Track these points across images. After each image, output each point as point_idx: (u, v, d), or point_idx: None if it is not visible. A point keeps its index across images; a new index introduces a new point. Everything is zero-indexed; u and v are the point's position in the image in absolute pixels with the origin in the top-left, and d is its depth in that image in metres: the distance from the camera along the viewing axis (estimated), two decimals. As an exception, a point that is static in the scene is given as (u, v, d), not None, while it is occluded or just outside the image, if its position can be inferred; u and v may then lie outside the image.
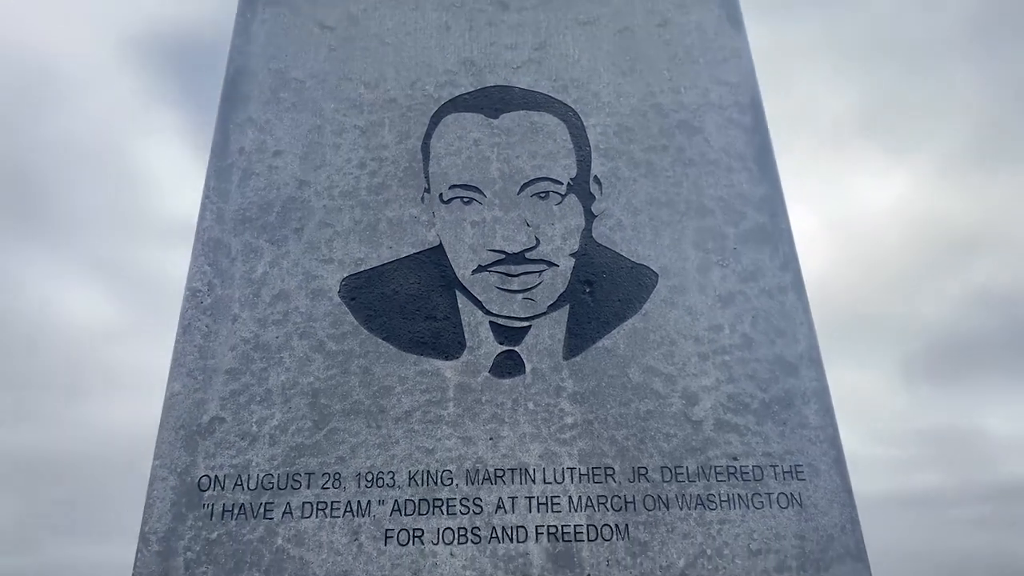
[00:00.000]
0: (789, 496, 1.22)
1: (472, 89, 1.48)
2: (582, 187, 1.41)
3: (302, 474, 1.19)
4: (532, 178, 1.41)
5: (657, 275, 1.36)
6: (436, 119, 1.45)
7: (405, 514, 1.18)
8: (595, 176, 1.43)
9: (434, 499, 1.19)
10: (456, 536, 1.16)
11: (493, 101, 1.47)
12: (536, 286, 1.33)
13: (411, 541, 1.16)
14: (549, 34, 1.54)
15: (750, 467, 1.23)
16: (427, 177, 1.41)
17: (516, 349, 1.29)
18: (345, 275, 1.32)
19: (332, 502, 1.18)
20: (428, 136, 1.44)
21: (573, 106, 1.47)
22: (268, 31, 1.51)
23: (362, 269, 1.33)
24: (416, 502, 1.18)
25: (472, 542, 1.17)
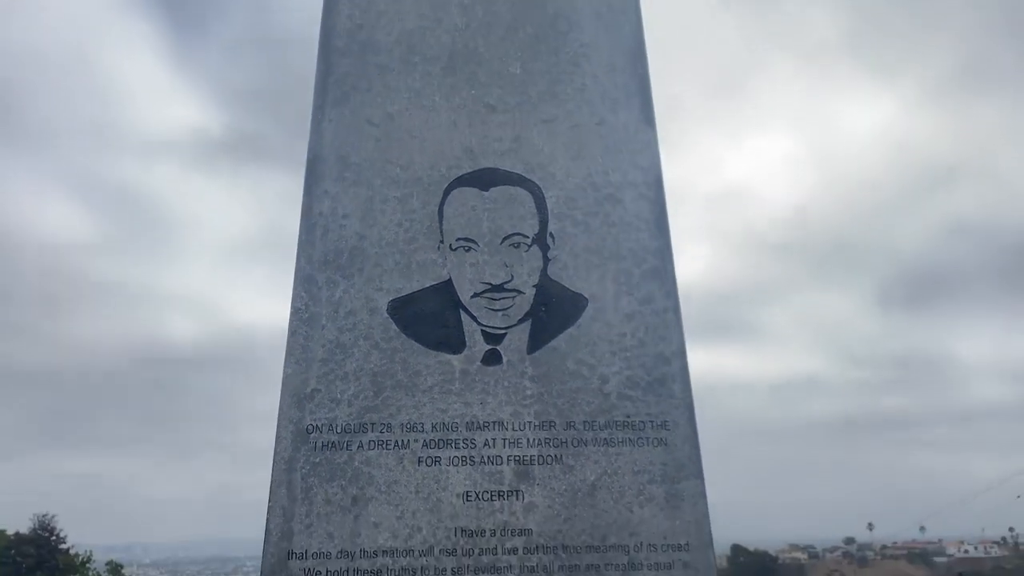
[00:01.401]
0: (659, 439, 2.03)
1: (471, 170, 2.23)
2: (541, 240, 2.18)
3: (367, 424, 1.99)
4: (509, 233, 2.17)
5: (588, 300, 2.14)
6: (447, 191, 2.21)
7: (429, 448, 1.98)
8: (550, 232, 2.20)
9: (447, 439, 1.99)
10: (460, 461, 1.97)
11: (484, 178, 2.23)
12: (511, 307, 2.11)
13: (433, 464, 1.97)
14: (522, 130, 2.28)
15: (637, 421, 2.04)
16: (441, 232, 2.17)
17: (498, 348, 2.08)
18: (390, 299, 2.10)
19: (385, 440, 1.98)
20: (442, 203, 2.20)
21: (538, 183, 2.23)
22: (334, 128, 2.26)
23: (401, 295, 2.11)
24: (436, 441, 1.99)
25: (469, 464, 1.97)
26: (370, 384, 2.02)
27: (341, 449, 1.96)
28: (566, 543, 1.91)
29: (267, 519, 1.91)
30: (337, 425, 1.98)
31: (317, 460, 1.95)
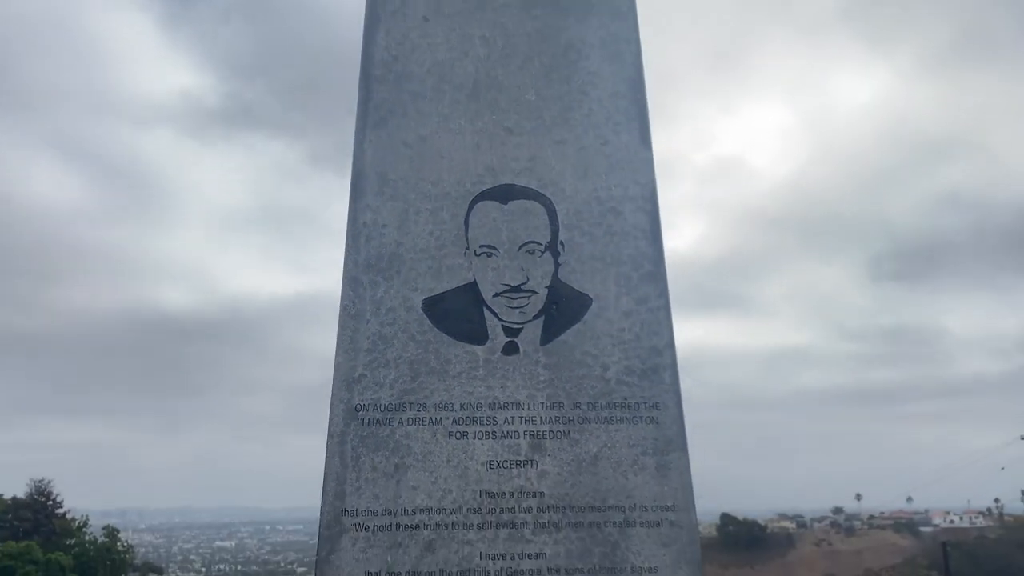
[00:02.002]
0: (651, 418, 2.41)
1: (492, 185, 2.59)
2: (553, 247, 2.55)
3: (406, 403, 2.37)
4: (525, 241, 2.54)
5: (592, 299, 2.51)
6: (472, 204, 2.57)
7: (458, 424, 2.36)
8: (561, 240, 2.56)
9: (472, 417, 2.37)
10: (484, 435, 2.35)
11: (504, 193, 2.59)
12: (526, 305, 2.48)
13: (461, 437, 2.35)
14: (537, 150, 2.64)
15: (632, 403, 2.42)
16: (467, 240, 2.53)
17: (515, 340, 2.45)
18: (424, 298, 2.47)
19: (421, 418, 2.36)
20: (467, 215, 2.56)
21: (550, 197, 2.59)
22: (374, 148, 2.61)
23: (433, 294, 2.47)
24: (463, 418, 2.36)
25: (491, 438, 2.35)
26: (408, 370, 2.39)
27: (384, 425, 2.34)
28: (572, 504, 2.30)
29: (323, 483, 2.29)
30: (380, 404, 2.36)
31: (364, 434, 2.33)
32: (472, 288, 2.49)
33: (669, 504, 2.34)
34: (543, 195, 2.59)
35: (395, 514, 2.25)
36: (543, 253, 2.53)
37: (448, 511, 2.27)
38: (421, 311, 2.45)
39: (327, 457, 2.32)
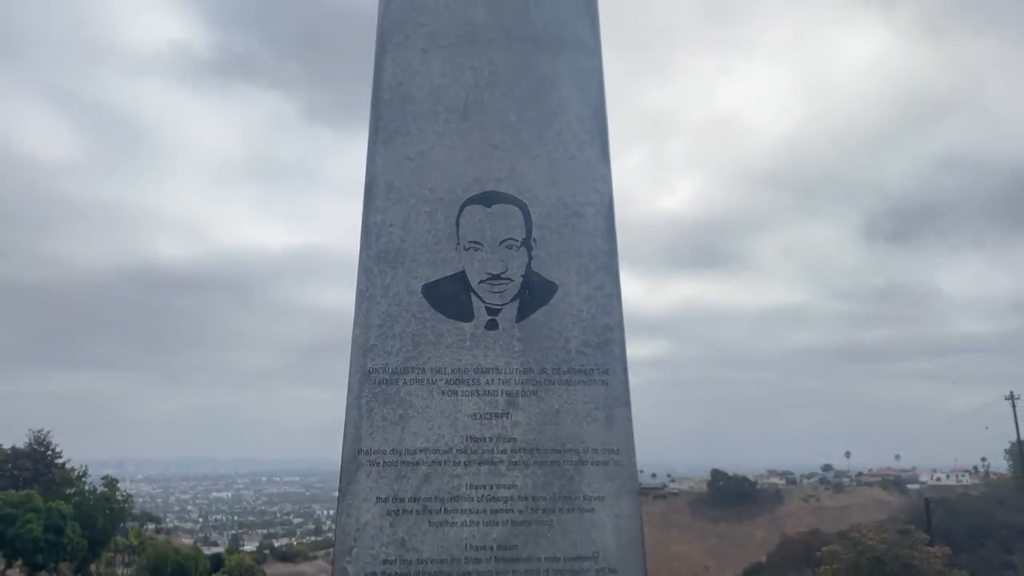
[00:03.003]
0: (603, 381, 3.06)
1: (479, 192, 3.20)
2: (527, 243, 3.17)
3: (409, 368, 3.00)
4: (505, 238, 3.15)
5: (558, 286, 3.14)
6: (462, 208, 3.18)
7: (449, 384, 3.00)
8: (534, 238, 3.18)
9: (460, 379, 3.00)
10: (470, 393, 2.99)
11: (488, 198, 3.20)
12: (505, 290, 3.10)
13: (452, 395, 2.99)
14: (516, 163, 3.25)
15: (588, 369, 3.06)
16: (458, 237, 3.15)
17: (496, 318, 3.08)
18: (423, 284, 3.09)
19: (420, 379, 3.00)
20: (458, 216, 3.17)
21: (526, 202, 3.21)
22: (383, 161, 3.21)
23: (430, 281, 3.09)
24: (454, 380, 3.00)
25: (476, 396, 3.00)
26: (410, 342, 3.03)
27: (391, 384, 2.98)
28: (538, 447, 2.95)
29: (344, 429, 2.93)
30: (389, 368, 3.00)
31: (376, 391, 2.97)
32: (461, 276, 3.11)
33: (614, 448, 3.00)
34: (520, 200, 3.21)
35: (400, 453, 2.90)
36: (519, 248, 3.15)
37: (441, 451, 2.92)
38: (421, 295, 3.08)
39: (347, 409, 2.96)
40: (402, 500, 2.85)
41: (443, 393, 2.98)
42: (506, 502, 2.89)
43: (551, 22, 3.45)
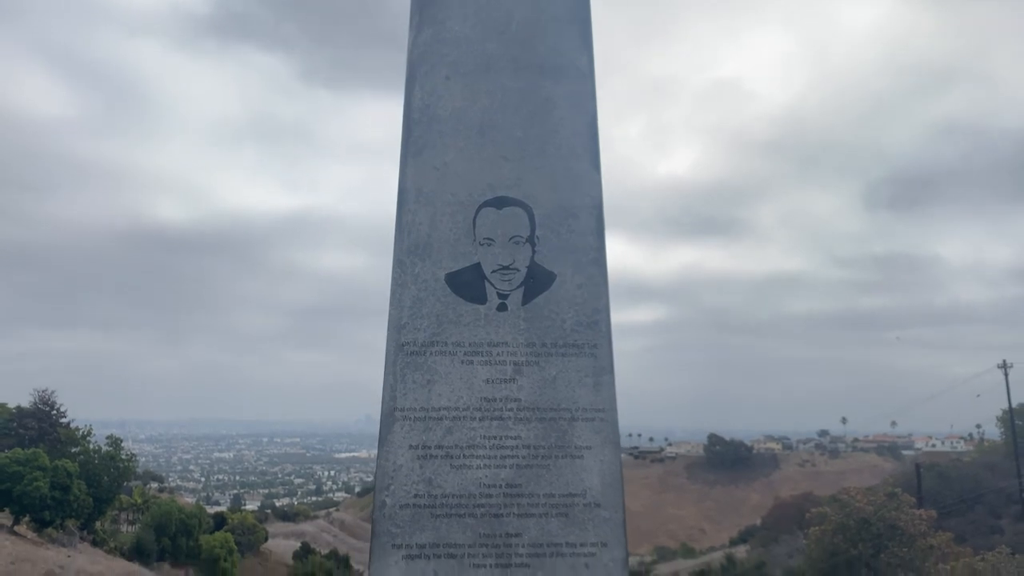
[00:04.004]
0: (591, 354, 3.76)
1: (491, 197, 3.88)
2: (532, 239, 3.85)
3: (434, 342, 3.71)
4: (513, 235, 3.84)
5: (556, 276, 3.83)
6: (478, 210, 3.86)
7: (467, 355, 3.70)
8: (537, 235, 3.86)
9: (476, 351, 3.71)
10: (484, 363, 3.70)
11: (499, 202, 3.88)
12: (513, 279, 3.79)
13: (469, 364, 3.69)
14: (522, 173, 3.92)
15: (580, 344, 3.77)
16: (474, 234, 3.83)
17: (505, 302, 3.78)
18: (445, 273, 3.78)
19: (444, 351, 3.70)
20: (475, 217, 3.85)
21: (530, 206, 3.89)
22: (413, 171, 3.89)
23: (452, 271, 3.78)
24: (471, 352, 3.71)
25: (488, 365, 3.70)
26: (435, 320, 3.73)
27: (420, 355, 3.69)
28: (539, 406, 3.66)
29: (383, 390, 3.64)
30: (418, 342, 3.70)
31: (408, 361, 3.68)
32: (477, 267, 3.80)
33: (600, 408, 3.71)
34: (526, 204, 3.89)
35: (427, 410, 3.62)
36: (524, 244, 3.84)
37: (460, 409, 3.63)
38: (444, 282, 3.77)
39: (384, 375, 3.67)
40: (429, 447, 3.57)
41: (462, 362, 3.69)
42: (512, 450, 3.60)
43: (552, 53, 4.11)
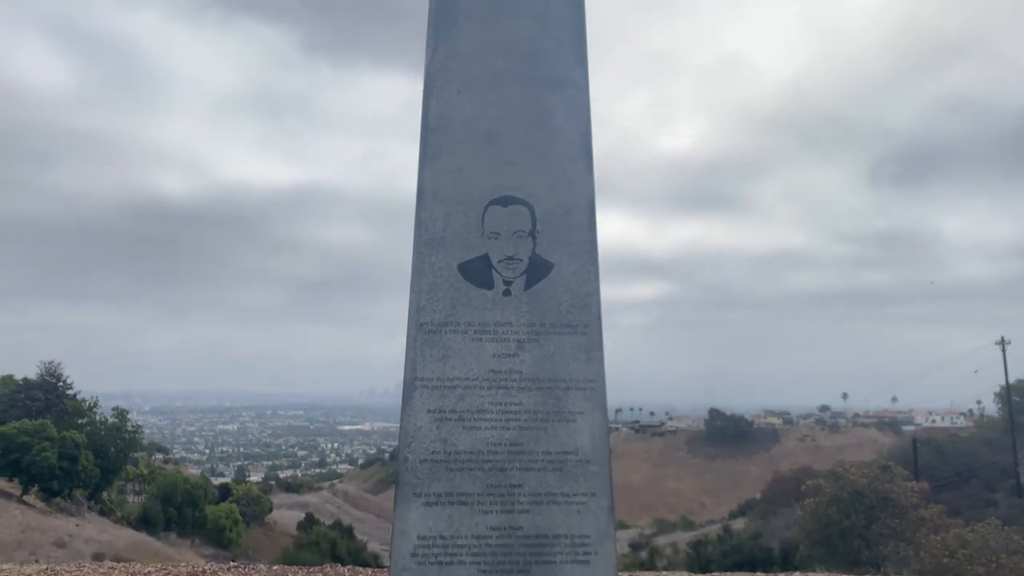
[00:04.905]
0: (584, 333, 4.37)
1: (498, 196, 4.47)
2: (533, 233, 4.45)
3: (449, 322, 4.31)
4: (516, 230, 4.43)
5: (554, 264, 4.43)
6: (486, 208, 4.44)
7: (477, 333, 4.31)
8: (537, 230, 4.46)
9: (484, 330, 4.32)
10: (491, 340, 4.30)
11: (505, 201, 4.47)
12: (516, 268, 4.39)
13: (479, 341, 4.30)
14: (525, 175, 4.51)
15: (573, 324, 4.38)
16: (483, 229, 4.42)
17: (510, 288, 4.38)
18: (458, 262, 4.38)
19: (457, 330, 4.31)
20: (484, 214, 4.44)
21: (532, 204, 4.47)
22: (430, 174, 4.48)
23: (464, 260, 4.38)
24: (481, 330, 4.31)
25: (496, 341, 4.31)
26: (449, 303, 4.33)
27: (437, 333, 4.29)
28: (538, 377, 4.27)
29: (404, 363, 4.25)
30: (435, 322, 4.31)
31: (426, 338, 4.28)
32: (485, 258, 4.40)
33: (591, 379, 4.33)
34: (528, 202, 4.48)
35: (443, 380, 4.23)
36: (527, 237, 4.43)
37: (471, 379, 4.24)
38: (457, 270, 4.37)
39: (406, 349, 4.28)
40: (444, 412, 4.19)
41: (472, 340, 4.30)
42: (515, 414, 4.23)
43: (552, 68, 4.69)
